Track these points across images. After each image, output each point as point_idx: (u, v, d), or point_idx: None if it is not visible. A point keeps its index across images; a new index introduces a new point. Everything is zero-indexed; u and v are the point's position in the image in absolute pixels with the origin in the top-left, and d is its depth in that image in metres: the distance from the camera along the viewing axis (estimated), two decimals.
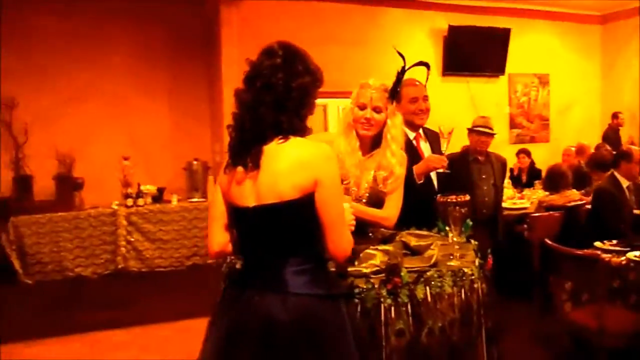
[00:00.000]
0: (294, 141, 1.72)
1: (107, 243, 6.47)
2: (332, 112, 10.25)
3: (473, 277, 2.19)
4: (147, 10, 7.06)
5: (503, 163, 4.50)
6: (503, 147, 8.03)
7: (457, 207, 2.37)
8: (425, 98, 3.24)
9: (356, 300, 2.00)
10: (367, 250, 2.24)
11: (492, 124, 4.38)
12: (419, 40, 8.05)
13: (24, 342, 4.49)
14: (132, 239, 6.50)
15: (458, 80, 8.21)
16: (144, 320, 4.90)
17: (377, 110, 2.42)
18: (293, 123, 1.74)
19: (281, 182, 1.69)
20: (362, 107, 2.43)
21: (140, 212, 6.50)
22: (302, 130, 1.77)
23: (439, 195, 2.49)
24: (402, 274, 2.02)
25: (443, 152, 3.00)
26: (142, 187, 6.61)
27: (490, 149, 4.46)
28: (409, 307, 2.03)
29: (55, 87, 6.81)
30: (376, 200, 2.45)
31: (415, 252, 2.36)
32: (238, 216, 1.79)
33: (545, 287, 3.88)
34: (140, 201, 6.58)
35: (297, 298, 1.69)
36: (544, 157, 8.09)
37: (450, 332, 2.06)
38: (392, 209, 2.49)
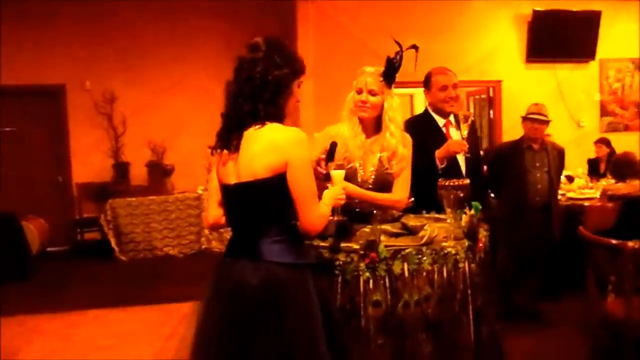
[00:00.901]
0: (270, 127, 1.92)
1: (192, 225, 7.04)
2: (418, 102, 10.30)
3: (457, 256, 2.29)
4: (231, 10, 7.55)
5: (560, 152, 4.40)
6: (594, 135, 7.65)
7: (453, 190, 2.46)
8: (455, 86, 3.30)
9: (337, 272, 2.20)
10: (364, 229, 2.39)
11: (547, 111, 4.29)
12: (502, 26, 7.84)
13: (111, 308, 5.07)
14: None
15: (543, 67, 7.89)
16: None
17: (372, 93, 2.55)
18: (269, 111, 1.93)
19: (255, 162, 1.90)
20: (359, 92, 2.58)
21: None
22: (278, 117, 1.96)
23: (440, 178, 2.58)
24: (380, 249, 2.17)
25: (463, 137, 3.07)
26: None
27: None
28: (387, 280, 2.18)
29: (150, 82, 7.48)
30: (383, 181, 2.58)
31: (412, 231, 2.47)
32: (224, 192, 2.04)
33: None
34: None
35: (267, 265, 1.90)
36: (638, 146, 7.62)
37: (426, 306, 2.19)
38: (401, 192, 2.63)
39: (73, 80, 7.47)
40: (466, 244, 2.35)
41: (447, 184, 2.51)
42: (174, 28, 7.37)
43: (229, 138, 1.97)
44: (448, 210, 2.48)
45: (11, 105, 7.45)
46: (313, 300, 1.92)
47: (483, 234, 2.51)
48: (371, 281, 2.17)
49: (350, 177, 2.46)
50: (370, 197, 2.53)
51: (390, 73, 2.52)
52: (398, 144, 2.57)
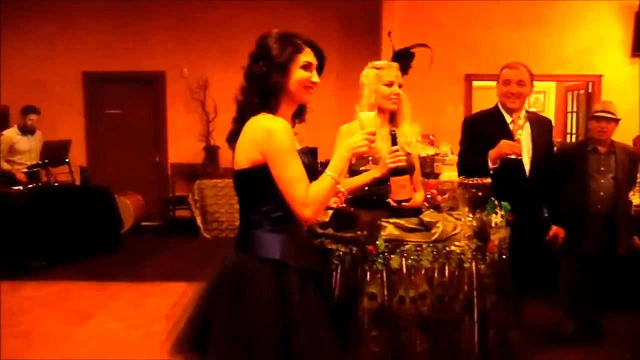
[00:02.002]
0: (254, 119, 1.96)
1: None
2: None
3: (462, 256, 2.25)
4: (320, 1, 7.67)
5: (632, 156, 3.98)
6: None
7: (471, 189, 2.42)
8: (521, 82, 3.18)
9: (336, 262, 2.25)
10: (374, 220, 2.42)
11: (615, 110, 3.87)
12: (604, 17, 7.31)
13: (183, 282, 5.38)
14: None
15: None
16: None
17: (400, 86, 2.63)
18: (255, 105, 1.98)
19: (239, 153, 1.98)
20: (390, 85, 2.61)
21: None
22: (266, 108, 1.98)
23: (461, 176, 2.54)
24: (377, 243, 2.20)
25: (517, 139, 2.99)
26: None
27: None
28: (384, 274, 2.20)
29: (239, 70, 7.74)
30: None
31: (427, 227, 2.45)
32: None
33: None
34: None
35: (241, 253, 1.99)
36: None
37: (421, 303, 2.18)
38: (422, 188, 2.76)
39: (172, 67, 7.99)
40: (475, 243, 2.31)
41: (466, 182, 2.47)
42: (263, 17, 7.58)
43: (233, 131, 2.05)
44: (464, 208, 2.44)
45: (116, 89, 8.16)
46: (272, 299, 1.91)
47: (501, 235, 2.44)
48: (368, 274, 2.20)
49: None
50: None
51: (405, 68, 2.54)
52: (414, 133, 2.68)
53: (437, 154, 6.32)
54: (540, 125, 3.32)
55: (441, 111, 7.56)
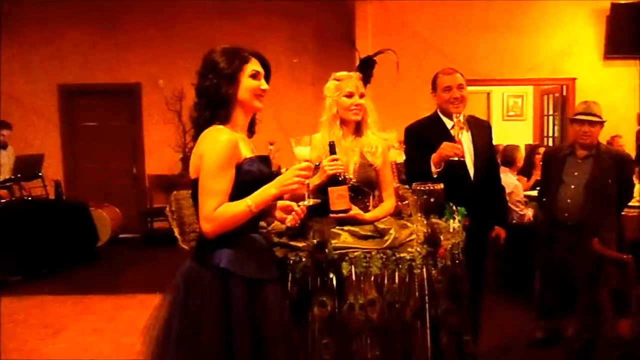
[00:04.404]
0: (206, 130, 2.01)
1: None
2: (496, 99, 10.03)
3: (413, 262, 2.26)
4: (294, 10, 7.76)
5: (618, 160, 3.73)
6: None
7: (423, 196, 2.43)
8: (460, 86, 3.19)
9: (288, 270, 2.25)
10: (333, 230, 2.42)
11: (599, 110, 3.69)
12: (577, 21, 7.38)
13: (160, 294, 5.37)
14: None
15: (624, 63, 7.35)
16: None
17: (361, 96, 2.60)
18: (207, 118, 2.04)
19: (191, 163, 2.04)
20: (350, 95, 2.58)
21: None
22: (218, 120, 2.03)
23: (415, 183, 2.55)
24: (327, 250, 2.20)
25: (458, 139, 2.99)
26: (282, 170, 7.27)
27: None
28: (333, 282, 2.21)
29: None
30: (366, 177, 2.60)
31: (382, 234, 2.46)
32: None
33: None
34: None
35: (193, 261, 2.05)
36: None
37: (371, 310, 2.18)
38: (392, 198, 2.69)
39: (148, 78, 7.98)
40: (426, 249, 2.31)
41: (419, 188, 2.48)
42: (238, 29, 7.62)
43: (193, 148, 2.08)
44: (417, 215, 2.45)
45: (92, 102, 8.17)
46: (211, 304, 1.94)
47: (455, 240, 2.45)
48: (318, 281, 2.21)
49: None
50: (374, 218, 2.53)
51: (367, 76, 2.57)
52: (379, 141, 2.65)
53: None
54: (480, 129, 3.33)
55: (418, 117, 7.57)
